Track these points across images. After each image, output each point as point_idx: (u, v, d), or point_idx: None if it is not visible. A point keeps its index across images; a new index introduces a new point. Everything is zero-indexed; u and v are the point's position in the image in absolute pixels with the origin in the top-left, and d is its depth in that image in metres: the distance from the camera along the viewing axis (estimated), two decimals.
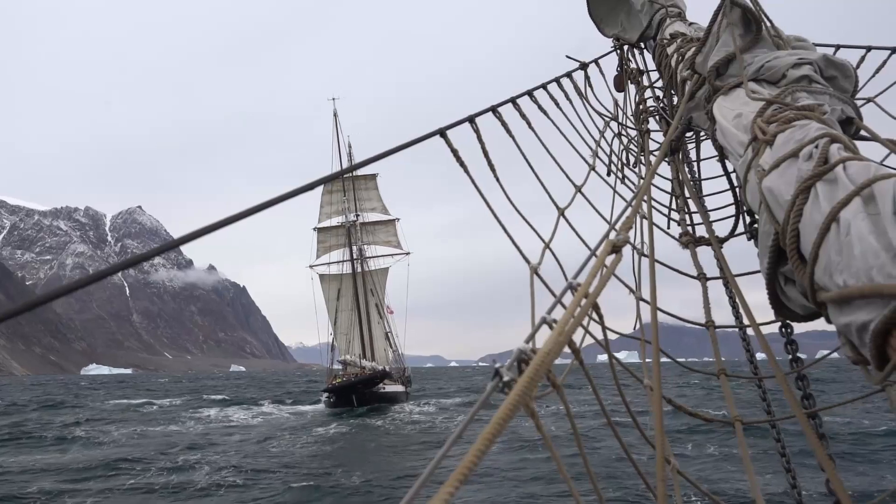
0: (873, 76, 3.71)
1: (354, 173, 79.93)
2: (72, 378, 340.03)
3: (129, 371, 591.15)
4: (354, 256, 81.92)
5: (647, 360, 2.67)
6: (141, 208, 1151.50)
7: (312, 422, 45.47)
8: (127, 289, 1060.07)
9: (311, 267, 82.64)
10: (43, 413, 57.07)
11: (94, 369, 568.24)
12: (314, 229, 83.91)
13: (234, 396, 78.83)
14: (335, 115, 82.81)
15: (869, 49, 3.81)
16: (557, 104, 3.93)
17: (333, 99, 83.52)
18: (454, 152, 2.99)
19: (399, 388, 69.64)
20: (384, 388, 65.43)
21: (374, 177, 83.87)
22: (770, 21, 2.89)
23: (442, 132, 2.91)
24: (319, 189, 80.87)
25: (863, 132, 2.47)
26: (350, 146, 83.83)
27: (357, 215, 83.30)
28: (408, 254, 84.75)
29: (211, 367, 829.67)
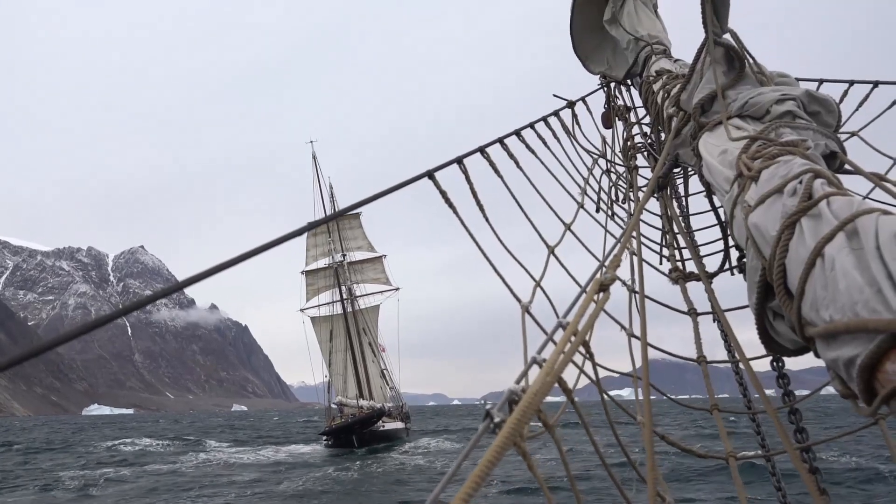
0: (857, 110, 3.70)
1: (337, 209, 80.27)
2: (73, 419, 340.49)
3: (130, 411, 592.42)
4: (344, 296, 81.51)
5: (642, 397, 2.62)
6: (143, 248, 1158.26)
7: (309, 464, 44.95)
8: (129, 328, 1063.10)
9: (301, 311, 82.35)
10: (38, 455, 56.99)
11: (95, 409, 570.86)
12: (302, 273, 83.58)
13: (233, 438, 78.75)
14: (314, 157, 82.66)
15: (852, 83, 3.80)
16: (545, 143, 3.90)
17: (311, 142, 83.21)
18: (443, 194, 2.97)
19: (399, 424, 69.89)
20: (383, 427, 65.15)
21: (357, 216, 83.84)
22: (753, 58, 2.86)
23: (430, 174, 2.89)
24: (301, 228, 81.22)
25: (847, 166, 2.48)
26: (331, 187, 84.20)
27: (343, 255, 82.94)
28: (397, 289, 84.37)
29: (213, 406, 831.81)
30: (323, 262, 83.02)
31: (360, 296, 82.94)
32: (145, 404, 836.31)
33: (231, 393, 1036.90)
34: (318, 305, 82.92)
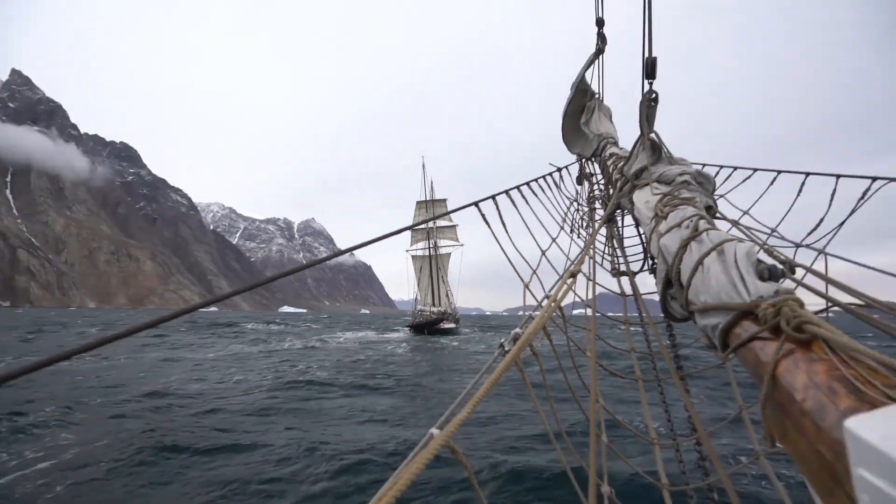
0: (724, 182, 3.64)
1: (434, 198, 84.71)
2: (272, 313, 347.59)
3: (304, 311, 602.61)
4: (431, 245, 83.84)
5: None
6: (314, 219, 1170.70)
7: (399, 341, 45.23)
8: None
9: (406, 251, 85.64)
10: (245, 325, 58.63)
11: (285, 308, 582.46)
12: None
13: (363, 326, 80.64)
14: (423, 166, 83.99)
15: (721, 167, 3.74)
16: (543, 190, 3.85)
17: (423, 157, 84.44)
18: (483, 216, 2.98)
19: (452, 325, 70.46)
20: (443, 326, 66.49)
21: (444, 201, 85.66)
22: (667, 148, 2.81)
23: (476, 203, 2.91)
24: (412, 207, 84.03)
25: (718, 214, 2.47)
26: (432, 183, 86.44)
27: (434, 223, 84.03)
28: (462, 245, 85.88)
29: (350, 310, 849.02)
30: (423, 225, 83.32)
31: (441, 247, 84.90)
32: (312, 307, 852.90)
33: (360, 302, 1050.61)
34: (416, 249, 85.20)
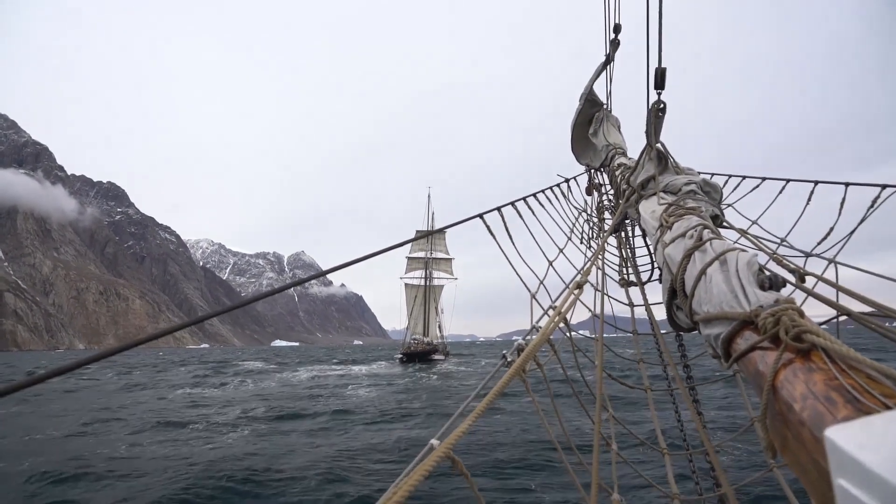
0: (733, 191, 3.66)
1: (434, 227, 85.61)
2: (265, 347, 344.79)
3: (296, 344, 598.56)
4: (427, 276, 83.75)
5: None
6: (304, 252, 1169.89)
7: (390, 372, 45.14)
8: (296, 297, 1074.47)
9: (401, 279, 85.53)
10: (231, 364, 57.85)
11: (277, 342, 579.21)
12: (406, 257, 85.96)
13: (351, 358, 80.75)
14: (429, 197, 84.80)
15: (730, 176, 3.77)
16: (550, 201, 3.84)
17: (429, 187, 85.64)
18: (487, 228, 2.98)
19: (441, 357, 71.03)
20: (434, 357, 67.94)
21: (444, 232, 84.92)
22: (673, 158, 2.83)
23: (480, 216, 2.93)
24: (412, 235, 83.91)
25: (725, 223, 2.51)
26: (434, 213, 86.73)
27: (431, 253, 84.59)
28: (456, 279, 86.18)
29: (342, 342, 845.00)
30: (420, 254, 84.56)
31: (436, 278, 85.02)
32: (305, 340, 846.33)
33: (353, 334, 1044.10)
34: (412, 278, 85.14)
